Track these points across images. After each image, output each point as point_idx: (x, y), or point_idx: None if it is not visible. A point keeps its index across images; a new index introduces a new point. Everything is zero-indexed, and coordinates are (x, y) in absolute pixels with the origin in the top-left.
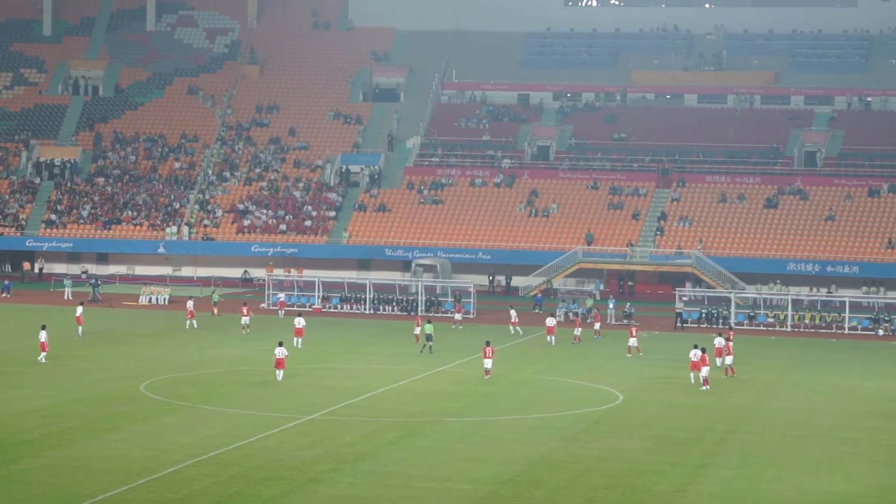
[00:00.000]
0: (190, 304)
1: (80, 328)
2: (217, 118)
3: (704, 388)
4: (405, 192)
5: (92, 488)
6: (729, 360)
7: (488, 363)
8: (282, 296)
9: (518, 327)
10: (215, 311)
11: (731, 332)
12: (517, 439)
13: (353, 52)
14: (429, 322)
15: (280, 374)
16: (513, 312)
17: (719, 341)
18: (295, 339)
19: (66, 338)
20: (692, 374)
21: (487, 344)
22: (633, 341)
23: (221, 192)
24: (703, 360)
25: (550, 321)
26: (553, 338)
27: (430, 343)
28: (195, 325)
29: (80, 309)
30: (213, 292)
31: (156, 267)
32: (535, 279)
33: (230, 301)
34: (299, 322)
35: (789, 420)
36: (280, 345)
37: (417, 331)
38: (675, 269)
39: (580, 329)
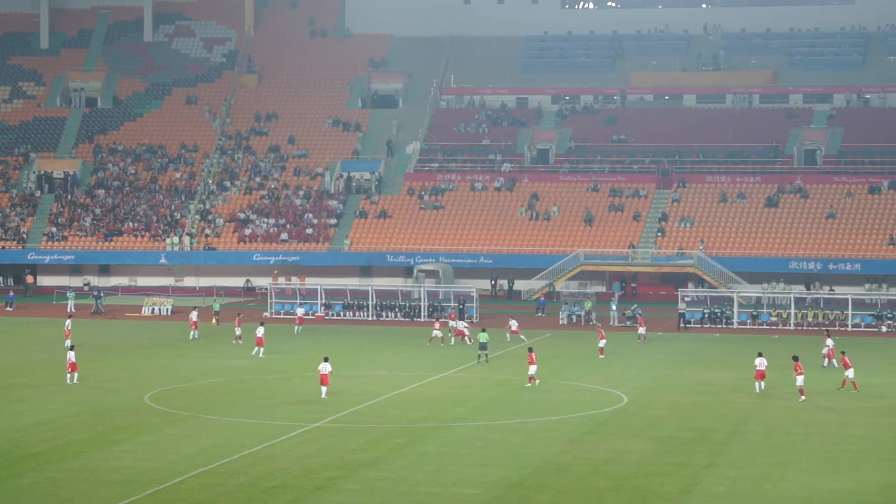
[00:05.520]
0: (194, 314)
1: (68, 341)
2: (216, 128)
3: (802, 398)
4: (406, 197)
5: (98, 501)
6: (850, 373)
7: (532, 369)
8: (300, 311)
9: (520, 335)
10: (214, 320)
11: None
12: (522, 443)
13: (350, 60)
14: (483, 330)
15: (324, 391)
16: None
17: (830, 342)
18: (256, 348)
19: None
20: (757, 384)
21: (530, 350)
22: (602, 342)
23: (222, 202)
24: (796, 368)
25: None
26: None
27: (486, 352)
28: (196, 336)
29: (68, 322)
30: (214, 301)
31: (158, 278)
32: (537, 282)
33: (230, 310)
34: (260, 331)
35: (793, 418)
36: (325, 360)
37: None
38: (677, 269)
39: (644, 328)
